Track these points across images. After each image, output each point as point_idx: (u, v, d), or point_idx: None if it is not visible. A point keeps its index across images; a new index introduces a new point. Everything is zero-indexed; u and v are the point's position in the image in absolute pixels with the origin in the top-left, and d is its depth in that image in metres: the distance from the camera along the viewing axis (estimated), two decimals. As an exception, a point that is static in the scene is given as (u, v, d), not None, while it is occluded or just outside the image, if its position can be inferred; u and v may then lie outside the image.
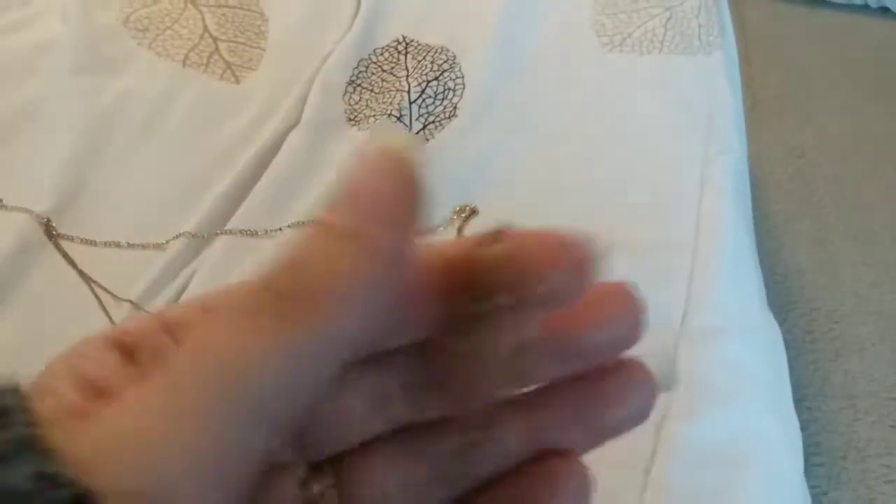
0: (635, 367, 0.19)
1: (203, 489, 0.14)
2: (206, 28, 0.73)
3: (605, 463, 0.53)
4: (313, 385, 0.15)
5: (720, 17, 0.77)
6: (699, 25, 0.75)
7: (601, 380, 0.19)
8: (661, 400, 0.53)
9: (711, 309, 0.57)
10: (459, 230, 0.64)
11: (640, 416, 0.19)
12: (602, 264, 0.17)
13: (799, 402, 1.09)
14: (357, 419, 0.18)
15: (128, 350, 0.17)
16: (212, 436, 0.14)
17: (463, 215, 0.64)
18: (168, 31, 0.72)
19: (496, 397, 0.19)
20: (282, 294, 0.14)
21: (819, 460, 1.05)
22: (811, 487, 1.01)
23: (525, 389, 0.19)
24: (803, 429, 1.04)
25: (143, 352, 0.17)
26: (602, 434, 0.19)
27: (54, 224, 0.61)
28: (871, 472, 1.04)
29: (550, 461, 0.19)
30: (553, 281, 0.17)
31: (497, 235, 0.17)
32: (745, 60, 1.49)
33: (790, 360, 1.11)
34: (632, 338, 0.18)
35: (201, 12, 0.73)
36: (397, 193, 0.15)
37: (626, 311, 0.18)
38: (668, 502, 0.49)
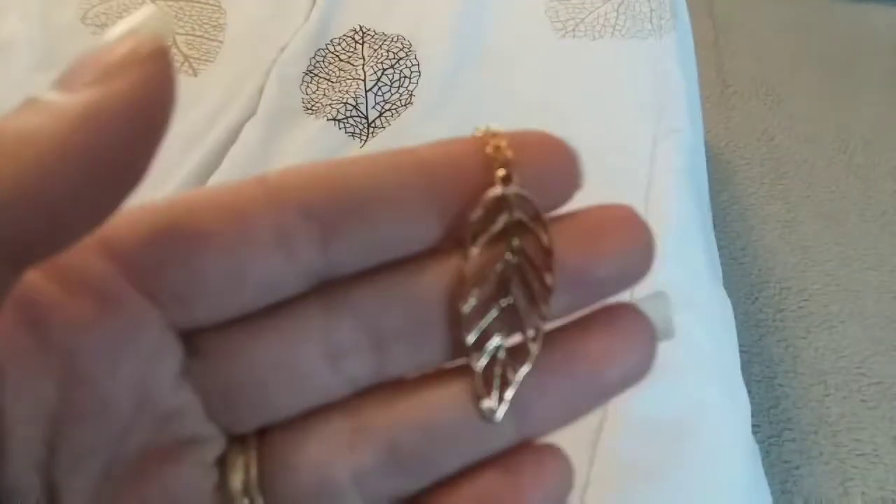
0: (628, 313, 0.17)
1: None
2: (163, 22, 0.73)
3: (551, 436, 0.54)
4: None
5: (673, 2, 0.78)
6: (651, 9, 0.76)
7: (588, 332, 0.17)
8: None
9: (658, 284, 0.57)
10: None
11: (639, 374, 0.17)
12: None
13: (770, 379, 1.11)
14: (303, 375, 0.16)
15: None
16: None
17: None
18: (125, 26, 0.72)
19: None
20: None
21: (791, 436, 1.06)
22: (784, 462, 1.02)
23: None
24: (775, 405, 1.07)
25: None
26: (592, 398, 0.17)
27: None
28: (842, 447, 1.05)
29: (526, 453, 0.17)
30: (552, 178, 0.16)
31: (490, 136, 0.16)
32: (715, 46, 1.51)
33: (761, 337, 1.13)
34: (643, 270, 0.17)
35: (158, 6, 0.74)
36: (121, 54, 0.13)
37: (636, 237, 0.17)
38: (616, 474, 0.50)
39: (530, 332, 0.17)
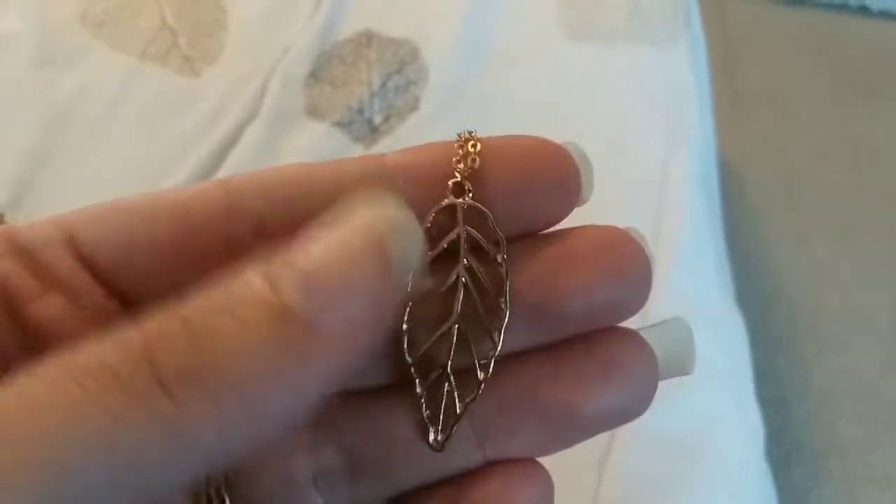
0: (624, 339, 0.15)
1: None
2: (164, 21, 0.72)
3: (560, 456, 0.53)
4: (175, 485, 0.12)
5: (686, 9, 0.77)
6: (663, 16, 0.75)
7: (566, 358, 0.15)
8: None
9: (669, 298, 0.56)
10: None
11: (629, 412, 0.15)
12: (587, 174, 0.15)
13: (781, 399, 1.09)
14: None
15: None
16: None
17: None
18: (126, 25, 0.71)
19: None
20: (169, 376, 0.11)
21: (801, 458, 1.04)
22: (793, 486, 1.00)
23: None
24: (784, 427, 1.05)
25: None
26: (567, 434, 0.15)
27: (7, 218, 0.60)
28: (853, 470, 1.03)
29: (505, 466, 0.16)
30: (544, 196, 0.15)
31: (469, 141, 0.15)
32: (728, 59, 1.50)
33: (771, 356, 1.11)
34: (634, 304, 0.15)
35: (160, 5, 0.73)
36: (372, 293, 0.12)
37: (621, 268, 0.14)
38: (624, 494, 0.49)
39: (480, 360, 0.15)
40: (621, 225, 0.55)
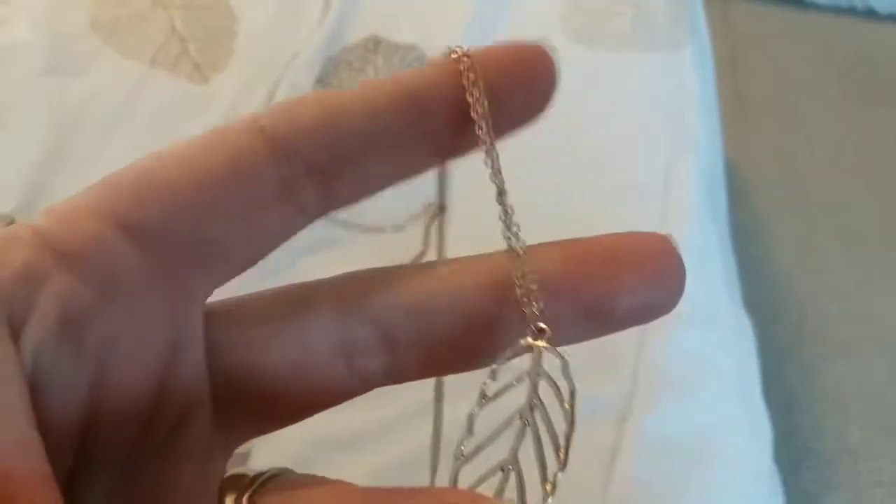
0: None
1: None
2: (174, 28, 0.73)
3: (569, 457, 0.52)
4: None
5: (691, 15, 0.77)
6: (667, 22, 0.75)
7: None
8: (625, 392, 0.53)
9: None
10: (426, 229, 0.64)
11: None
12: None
13: (788, 405, 1.09)
14: (319, 373, 0.16)
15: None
16: None
17: (430, 213, 0.64)
18: (136, 32, 0.72)
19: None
20: None
21: (809, 464, 1.04)
22: (802, 492, 1.00)
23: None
24: (793, 433, 1.04)
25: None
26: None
27: (18, 223, 0.61)
28: (861, 476, 1.03)
29: None
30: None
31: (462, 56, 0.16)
32: (733, 64, 1.50)
33: (779, 363, 1.11)
34: (670, 306, 0.16)
35: (170, 13, 0.74)
36: None
37: (669, 271, 0.16)
38: (632, 495, 0.49)
39: (549, 480, 0.16)
40: (623, 227, 0.56)
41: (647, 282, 0.16)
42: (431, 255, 0.62)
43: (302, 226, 0.16)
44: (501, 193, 0.17)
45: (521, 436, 0.16)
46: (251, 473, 0.15)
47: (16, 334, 0.13)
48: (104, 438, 0.15)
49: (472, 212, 0.63)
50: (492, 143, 0.16)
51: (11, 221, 0.61)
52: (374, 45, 0.74)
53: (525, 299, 0.16)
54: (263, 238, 0.16)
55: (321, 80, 0.71)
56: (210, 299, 0.16)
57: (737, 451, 0.52)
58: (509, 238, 0.16)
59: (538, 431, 0.16)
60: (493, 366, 0.16)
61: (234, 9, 0.75)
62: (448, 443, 0.52)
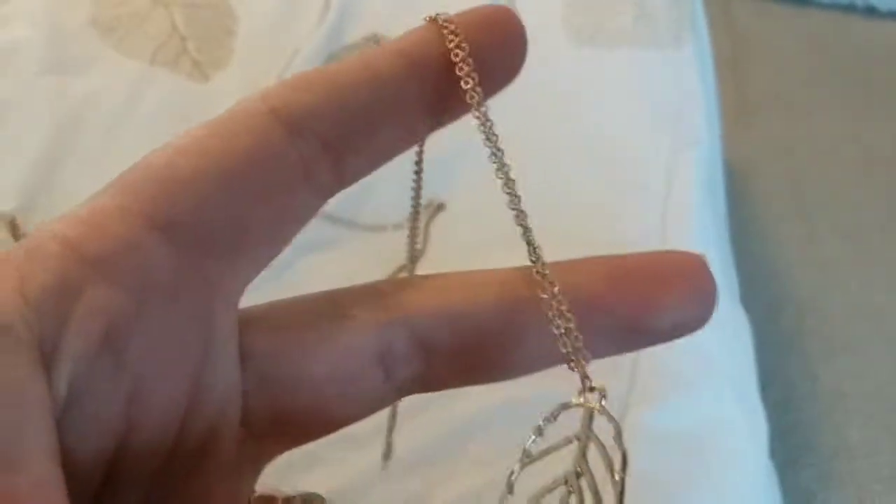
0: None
1: None
2: (174, 27, 0.73)
3: (569, 451, 0.53)
4: None
5: (692, 12, 0.77)
6: (669, 20, 0.75)
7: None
8: (623, 389, 0.53)
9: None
10: (426, 227, 0.64)
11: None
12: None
13: (788, 402, 1.09)
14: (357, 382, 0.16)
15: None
16: None
17: (429, 210, 0.64)
18: (136, 31, 0.72)
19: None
20: None
21: (809, 461, 1.04)
22: (801, 488, 1.00)
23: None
24: (792, 429, 1.05)
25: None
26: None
27: (19, 223, 0.61)
28: (861, 472, 1.03)
29: None
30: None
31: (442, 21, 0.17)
32: (733, 60, 1.50)
33: (779, 359, 1.11)
34: (704, 322, 0.16)
35: (170, 11, 0.74)
36: None
37: (705, 291, 0.16)
38: (630, 490, 0.49)
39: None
40: (625, 230, 0.56)
41: (684, 300, 0.16)
42: (431, 254, 0.62)
43: (319, 206, 0.16)
44: (508, 184, 0.18)
45: (564, 502, 0.16)
46: (281, 496, 0.15)
47: (48, 358, 0.13)
48: (134, 457, 0.14)
49: (472, 210, 0.63)
50: (481, 100, 0.17)
51: (12, 220, 0.61)
52: (375, 43, 0.74)
53: (557, 319, 0.16)
54: (289, 223, 0.16)
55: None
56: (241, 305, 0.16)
57: (734, 447, 0.53)
58: (533, 255, 0.16)
59: (583, 500, 0.16)
60: (540, 422, 0.16)
61: (235, 7, 0.75)
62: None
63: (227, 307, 0.15)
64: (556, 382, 0.55)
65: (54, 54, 0.69)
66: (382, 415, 0.53)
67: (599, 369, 0.56)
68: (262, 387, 0.16)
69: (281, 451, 0.17)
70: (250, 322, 0.16)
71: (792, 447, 1.05)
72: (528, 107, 0.69)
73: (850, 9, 1.62)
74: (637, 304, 0.16)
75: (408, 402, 0.55)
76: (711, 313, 0.16)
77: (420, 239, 0.62)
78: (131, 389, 0.14)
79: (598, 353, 0.17)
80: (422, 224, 0.63)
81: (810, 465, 1.04)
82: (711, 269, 0.16)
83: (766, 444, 0.56)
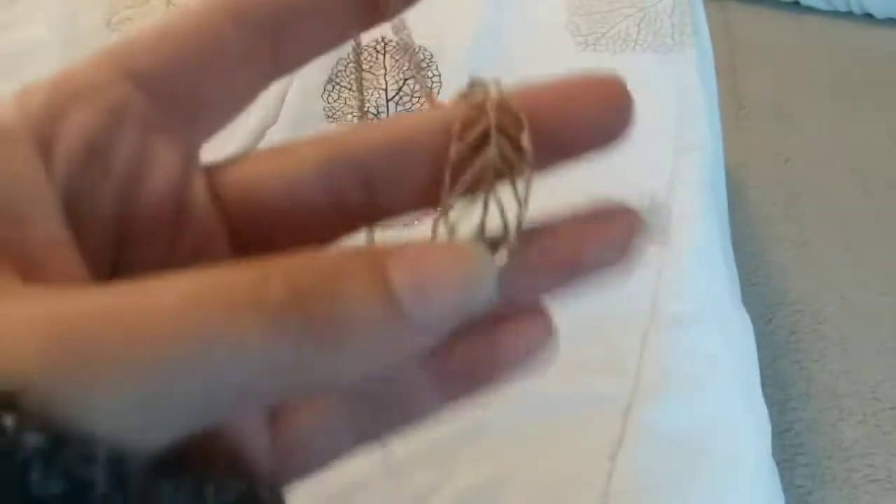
0: (618, 206, 0.18)
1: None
2: (187, 28, 0.74)
3: (571, 450, 0.54)
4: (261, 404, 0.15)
5: (694, 17, 0.78)
6: (672, 24, 0.76)
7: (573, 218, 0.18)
8: (628, 387, 0.53)
9: (681, 298, 0.57)
10: (434, 223, 0.65)
11: (617, 255, 0.18)
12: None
13: (784, 402, 1.10)
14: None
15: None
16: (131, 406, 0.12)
17: (438, 209, 0.65)
18: (150, 32, 0.73)
19: None
20: (314, 319, 0.13)
21: (804, 460, 1.05)
22: (797, 487, 1.01)
23: None
24: (788, 429, 1.06)
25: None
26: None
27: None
28: (856, 472, 1.04)
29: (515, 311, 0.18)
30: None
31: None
32: (731, 67, 1.51)
33: (774, 360, 1.12)
34: (622, 127, 0.18)
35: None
36: (459, 301, 0.14)
37: (622, 97, 0.18)
38: (635, 488, 0.50)
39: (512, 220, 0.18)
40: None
41: (599, 106, 0.18)
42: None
43: (262, 87, 0.18)
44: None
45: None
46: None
47: (44, 157, 0.15)
48: (137, 246, 0.17)
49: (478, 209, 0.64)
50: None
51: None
52: (384, 46, 0.75)
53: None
54: (235, 98, 0.18)
55: (331, 80, 0.72)
56: None
57: (738, 446, 0.53)
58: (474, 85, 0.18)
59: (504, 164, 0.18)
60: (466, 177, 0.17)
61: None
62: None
63: (192, 149, 0.18)
64: (556, 383, 0.56)
65: (69, 55, 0.70)
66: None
67: (605, 368, 0.56)
68: (230, 212, 0.18)
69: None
70: (215, 166, 0.18)
71: (787, 447, 1.06)
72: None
73: (847, 15, 1.63)
74: (552, 117, 0.18)
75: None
76: (629, 119, 0.18)
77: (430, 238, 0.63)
78: (121, 189, 0.16)
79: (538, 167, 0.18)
80: (430, 222, 0.64)
81: (805, 464, 1.04)
82: (625, 83, 0.18)
83: (769, 443, 0.57)
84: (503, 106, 0.18)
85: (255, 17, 0.18)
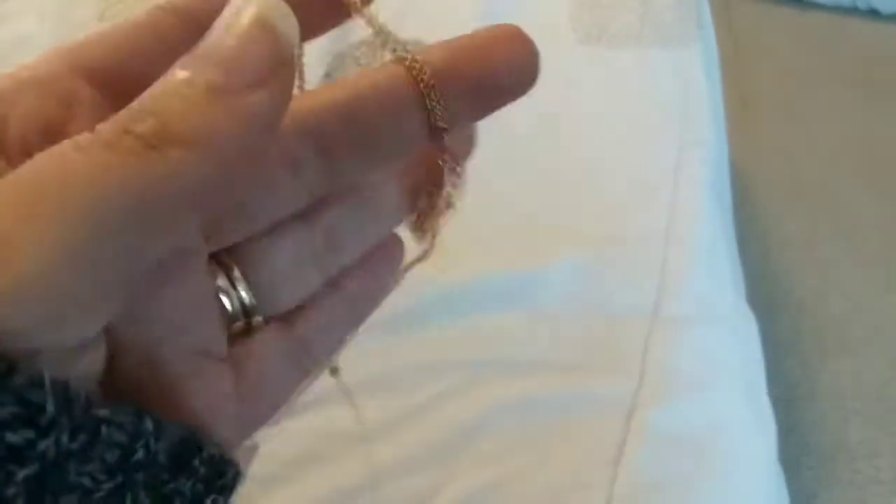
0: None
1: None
2: (182, 23, 0.73)
3: (574, 453, 0.53)
4: (169, 222, 0.16)
5: (698, 11, 0.77)
6: (676, 19, 0.75)
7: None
8: (632, 389, 0.53)
9: (684, 298, 0.57)
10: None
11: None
12: None
13: (788, 402, 1.09)
14: (279, 190, 0.20)
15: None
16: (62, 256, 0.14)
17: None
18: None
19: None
20: (142, 135, 0.15)
21: (808, 462, 1.04)
22: (801, 490, 1.00)
23: None
24: (792, 430, 1.05)
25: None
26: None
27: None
28: (860, 474, 1.03)
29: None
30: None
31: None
32: (734, 62, 1.50)
33: (779, 360, 1.11)
34: (532, 77, 0.19)
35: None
36: (268, 58, 0.16)
37: (522, 50, 0.20)
38: (638, 491, 0.49)
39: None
40: (633, 228, 0.56)
41: (517, 58, 0.19)
42: (437, 252, 0.62)
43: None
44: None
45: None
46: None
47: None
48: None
49: (477, 208, 0.63)
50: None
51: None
52: (381, 41, 0.74)
53: (427, 90, 0.19)
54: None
55: (329, 76, 0.71)
56: None
57: (743, 447, 0.53)
58: (395, 50, 0.20)
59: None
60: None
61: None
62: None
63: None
64: (558, 385, 0.55)
65: (62, 48, 0.69)
66: (384, 418, 0.53)
67: (608, 369, 0.56)
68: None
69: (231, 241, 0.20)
70: None
71: (792, 448, 1.05)
72: (536, 106, 0.69)
73: (852, 11, 1.62)
74: (477, 66, 0.19)
75: (411, 403, 0.55)
76: (538, 67, 0.19)
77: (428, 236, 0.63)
78: None
79: (463, 117, 0.20)
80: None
81: (810, 466, 1.04)
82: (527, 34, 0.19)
83: (774, 444, 0.56)
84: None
85: (199, 15, 0.18)
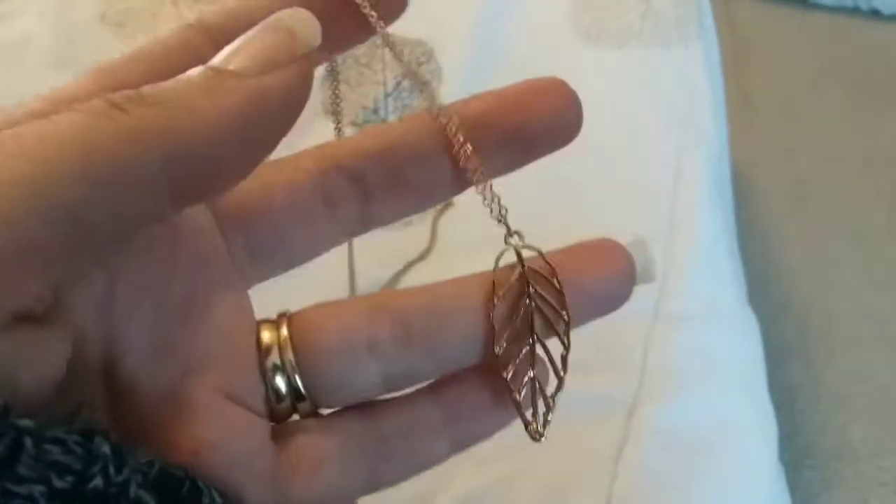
0: (610, 243, 0.21)
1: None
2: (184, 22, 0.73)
3: (574, 451, 0.53)
4: (133, 183, 0.16)
5: (699, 10, 0.77)
6: (677, 18, 0.75)
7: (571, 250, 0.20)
8: (632, 388, 0.53)
9: (685, 296, 0.56)
10: (434, 223, 0.64)
11: (614, 300, 0.20)
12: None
13: (792, 403, 1.09)
14: (316, 224, 0.20)
15: None
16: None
17: (438, 208, 0.64)
18: (145, 26, 0.72)
19: None
20: (117, 102, 0.15)
21: (812, 462, 1.04)
22: (804, 490, 1.00)
23: None
24: (795, 431, 1.04)
25: None
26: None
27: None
28: (864, 474, 1.03)
29: None
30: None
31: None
32: (736, 62, 1.50)
33: (782, 360, 1.11)
34: (572, 123, 0.20)
35: (179, 7, 0.74)
36: (278, 49, 0.17)
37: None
38: (639, 489, 0.49)
39: (557, 362, 0.21)
40: (633, 228, 0.56)
41: (554, 108, 0.20)
42: (438, 250, 0.62)
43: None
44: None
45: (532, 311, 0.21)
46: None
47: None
48: (137, 270, 0.18)
49: (479, 207, 0.63)
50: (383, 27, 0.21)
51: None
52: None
53: (458, 145, 0.20)
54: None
55: (330, 75, 0.71)
56: None
57: (744, 447, 0.53)
58: (422, 90, 0.20)
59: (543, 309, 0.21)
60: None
61: (242, 4, 0.75)
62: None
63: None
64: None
65: (62, 48, 0.69)
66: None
67: (608, 368, 0.56)
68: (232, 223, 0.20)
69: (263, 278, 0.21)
70: None
71: (795, 449, 1.05)
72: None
73: (854, 11, 1.62)
74: (513, 117, 0.20)
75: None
76: (576, 115, 0.20)
77: (429, 236, 0.63)
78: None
79: (496, 170, 0.20)
80: (430, 221, 0.63)
81: (813, 466, 1.03)
82: (570, 86, 0.20)
83: (776, 444, 0.56)
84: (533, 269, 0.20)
85: (228, 32, 0.19)
